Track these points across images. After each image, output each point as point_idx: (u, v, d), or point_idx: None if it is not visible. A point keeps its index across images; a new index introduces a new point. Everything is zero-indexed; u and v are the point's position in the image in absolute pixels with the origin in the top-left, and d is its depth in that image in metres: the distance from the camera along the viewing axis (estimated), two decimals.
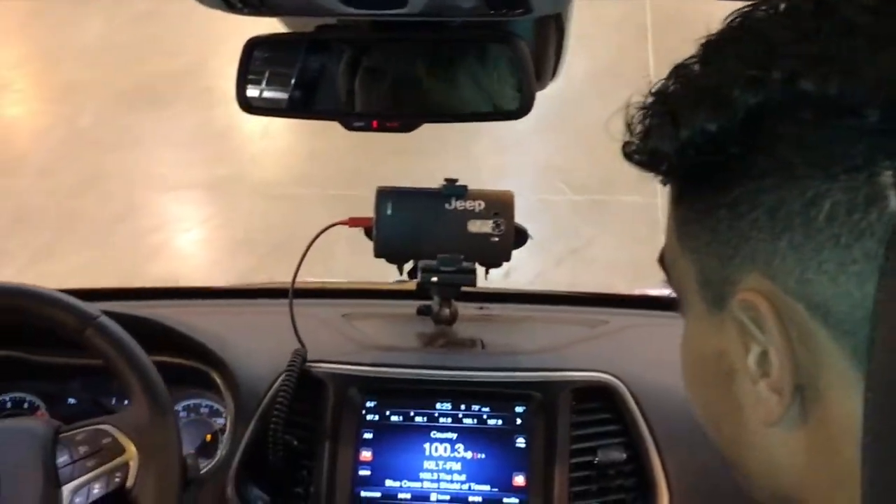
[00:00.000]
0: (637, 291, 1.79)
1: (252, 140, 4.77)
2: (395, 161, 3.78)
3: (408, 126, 1.16)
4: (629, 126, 0.64)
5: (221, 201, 4.37)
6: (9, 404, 1.49)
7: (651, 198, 4.15)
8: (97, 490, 1.14)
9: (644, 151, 0.63)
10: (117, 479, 1.14)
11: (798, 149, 0.55)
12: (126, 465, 1.15)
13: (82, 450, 1.17)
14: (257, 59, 1.16)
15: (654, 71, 5.02)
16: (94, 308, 1.22)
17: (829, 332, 0.55)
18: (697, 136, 0.58)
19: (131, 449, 1.16)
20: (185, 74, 5.18)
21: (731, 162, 0.58)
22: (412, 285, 1.50)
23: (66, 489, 1.14)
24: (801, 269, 0.55)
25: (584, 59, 5.21)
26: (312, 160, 4.56)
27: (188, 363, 1.41)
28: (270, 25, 1.15)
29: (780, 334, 0.57)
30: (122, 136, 4.82)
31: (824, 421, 0.57)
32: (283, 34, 1.18)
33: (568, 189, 4.28)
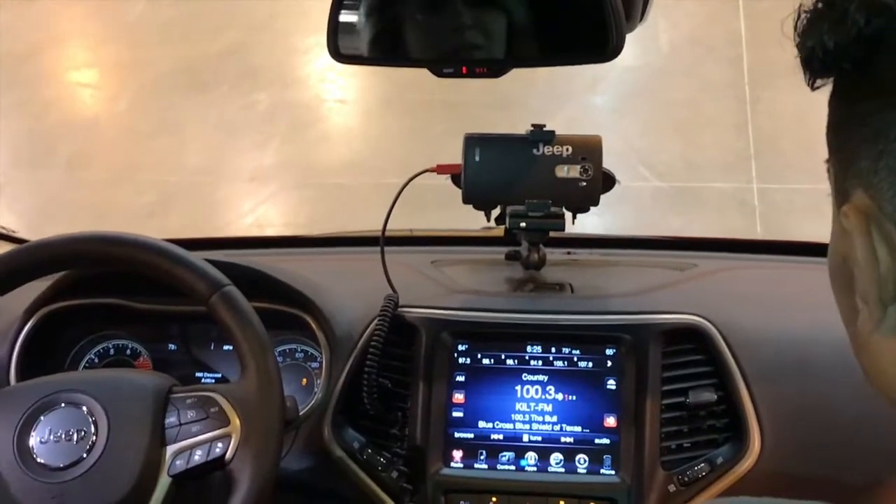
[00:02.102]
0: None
1: (301, 127, 4.60)
2: (454, 146, 3.55)
3: (497, 71, 1.17)
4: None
5: (265, 191, 4.22)
6: (112, 351, 1.54)
7: (745, 182, 3.92)
8: (198, 456, 1.17)
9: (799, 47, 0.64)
10: (217, 450, 1.17)
11: None
12: (228, 437, 1.17)
13: (190, 414, 1.20)
14: (347, 7, 1.18)
15: (747, 40, 4.78)
16: (222, 276, 1.24)
17: None
18: (819, 48, 0.59)
19: (236, 422, 1.18)
20: (228, 55, 5.09)
21: (848, 79, 0.60)
22: (500, 231, 1.52)
23: (170, 449, 1.18)
24: (893, 193, 0.57)
25: (668, 29, 4.95)
26: (366, 147, 4.41)
27: (284, 309, 1.44)
28: None
29: (863, 248, 0.60)
30: (161, 121, 4.72)
31: None
32: None
33: (651, 175, 4.01)
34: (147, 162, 4.40)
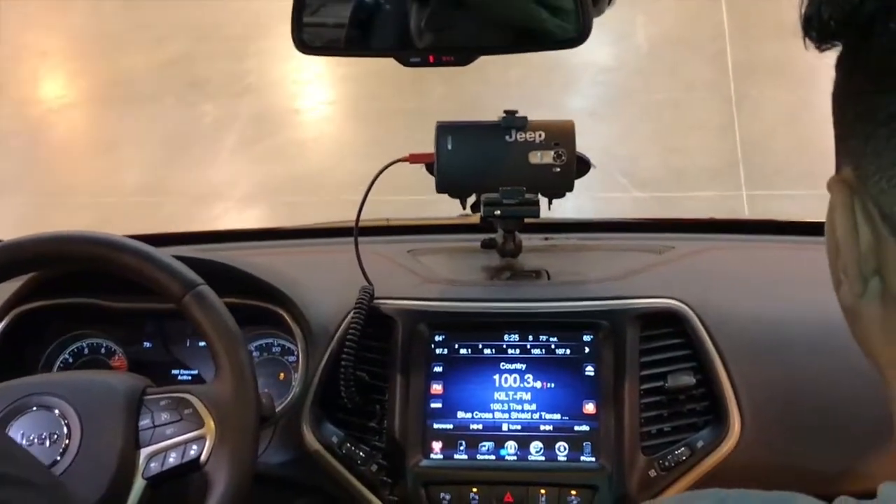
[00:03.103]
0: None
1: (252, 140, 4.44)
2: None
3: (463, 59, 1.16)
4: None
5: (212, 212, 4.07)
6: (86, 350, 1.53)
7: (733, 190, 3.73)
8: (172, 459, 1.16)
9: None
10: (192, 452, 1.16)
11: (891, 60, 0.55)
12: (203, 439, 1.17)
13: (164, 416, 1.19)
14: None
15: (731, 35, 4.58)
16: (195, 276, 1.23)
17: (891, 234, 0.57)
18: (815, 19, 0.58)
19: (210, 423, 1.17)
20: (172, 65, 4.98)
21: (848, 51, 0.60)
22: (476, 219, 1.51)
23: (144, 452, 1.17)
24: (878, 177, 0.57)
25: (648, 25, 4.79)
26: (322, 160, 4.23)
27: (258, 303, 1.43)
28: None
29: (844, 222, 0.61)
30: (100, 137, 4.60)
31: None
32: None
33: (631, 184, 3.81)
34: (83, 182, 4.29)
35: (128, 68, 5.06)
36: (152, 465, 1.16)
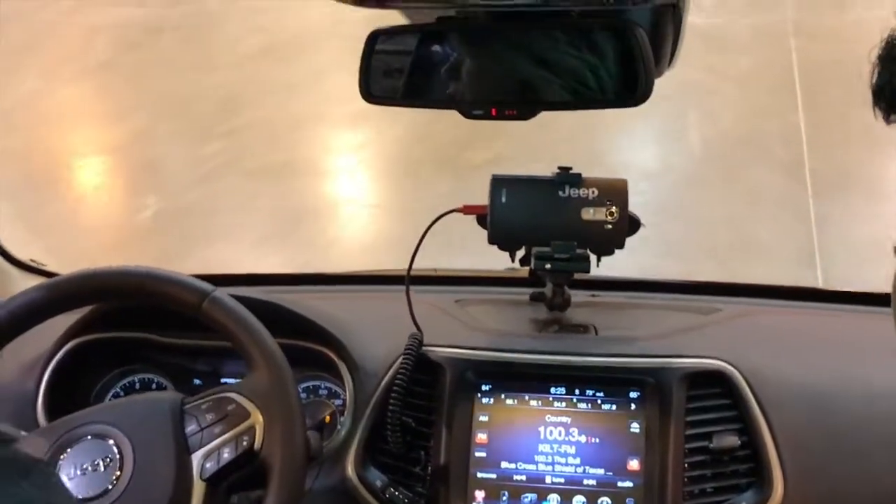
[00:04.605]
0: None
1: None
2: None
3: (525, 114, 1.18)
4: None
5: None
6: (137, 385, 1.56)
7: None
8: (227, 454, 1.18)
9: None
10: (245, 443, 1.19)
11: None
12: (252, 429, 1.19)
13: (209, 417, 1.22)
14: (380, 50, 1.20)
15: (809, 140, 3.91)
16: (208, 285, 1.27)
17: None
18: (887, 88, 0.60)
19: (256, 413, 1.20)
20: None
21: None
22: (524, 272, 1.52)
23: (197, 455, 1.19)
24: None
25: (701, 123, 4.20)
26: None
27: (308, 345, 1.45)
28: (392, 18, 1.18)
29: None
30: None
31: None
32: (404, 26, 1.21)
33: None
34: None
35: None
36: (208, 465, 1.18)
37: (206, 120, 4.87)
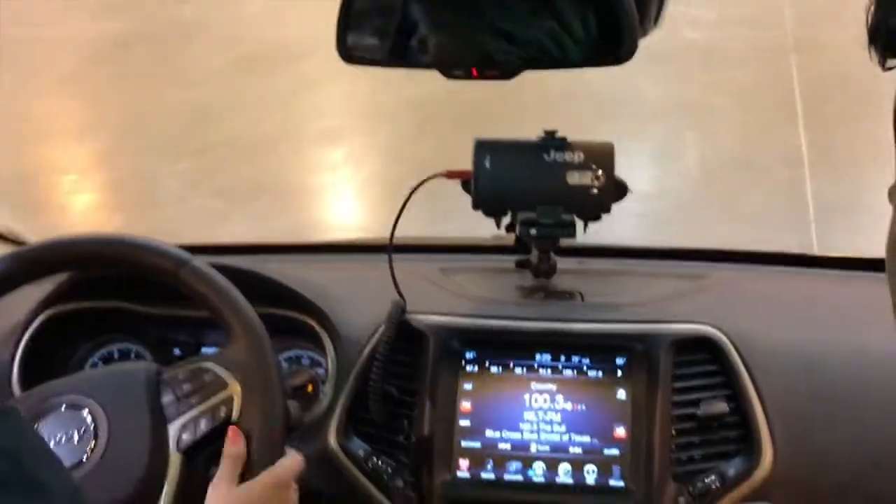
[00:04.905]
0: None
1: None
2: None
3: (508, 73, 1.16)
4: None
5: None
6: (116, 354, 1.54)
7: None
8: (203, 426, 1.17)
9: None
10: (222, 414, 1.17)
11: None
12: (230, 399, 1.18)
13: (186, 387, 1.20)
14: (358, 8, 1.17)
15: (809, 157, 3.76)
16: (186, 253, 1.25)
17: None
18: (883, 28, 0.58)
19: (234, 384, 1.18)
20: None
21: None
22: (510, 240, 1.50)
23: (173, 426, 1.17)
24: None
25: (699, 143, 4.10)
26: None
27: (290, 314, 1.43)
28: None
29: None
30: None
31: None
32: None
33: None
34: None
35: None
36: (184, 436, 1.16)
37: (174, 137, 4.77)
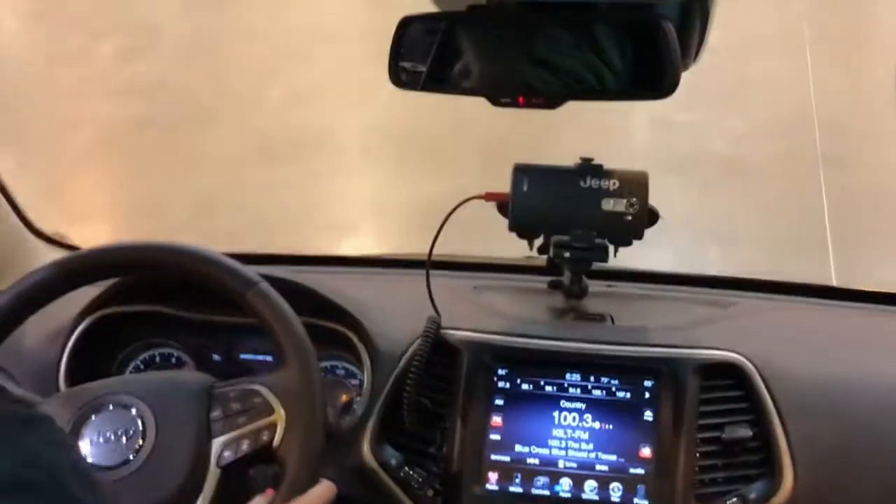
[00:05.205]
0: None
1: None
2: None
3: (553, 102, 1.20)
4: None
5: None
6: (157, 359, 1.58)
7: None
8: (245, 446, 1.21)
9: None
10: (264, 438, 1.20)
11: None
12: (274, 426, 1.21)
13: (234, 406, 1.24)
14: (410, 36, 1.22)
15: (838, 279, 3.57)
16: (254, 273, 1.29)
17: None
18: None
19: (280, 411, 1.22)
20: None
21: None
22: (542, 261, 1.54)
23: (217, 442, 1.22)
24: None
25: (727, 258, 4.00)
26: None
27: (329, 325, 1.47)
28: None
29: None
30: None
31: None
32: (434, 13, 1.22)
33: None
34: None
35: None
36: (226, 453, 1.20)
37: (182, 224, 4.64)
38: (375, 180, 4.97)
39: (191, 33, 6.11)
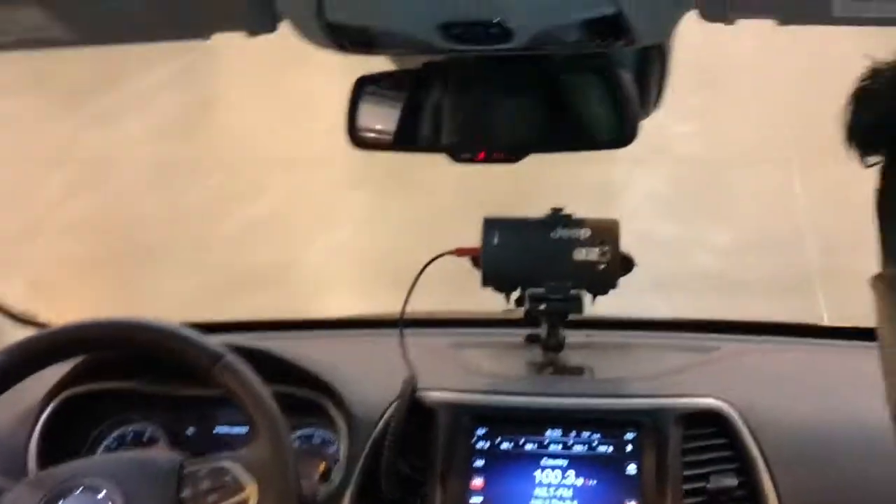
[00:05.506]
0: None
1: None
2: None
3: (514, 157, 1.19)
4: None
5: None
6: (130, 436, 1.55)
7: None
8: None
9: None
10: None
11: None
12: (245, 502, 1.18)
13: (205, 485, 1.20)
14: (367, 95, 1.20)
15: None
16: (220, 346, 1.26)
17: None
18: (856, 129, 0.61)
19: (252, 486, 1.19)
20: None
21: (885, 161, 0.63)
22: (520, 314, 1.52)
23: None
24: None
25: None
26: None
27: (302, 393, 1.44)
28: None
29: (883, 319, 0.59)
30: None
31: None
32: (391, 72, 1.21)
33: None
34: None
35: None
36: None
37: None
38: (341, 310, 4.69)
39: (145, 165, 5.85)
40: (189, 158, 5.95)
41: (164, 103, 6.59)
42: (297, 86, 6.18)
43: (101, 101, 6.64)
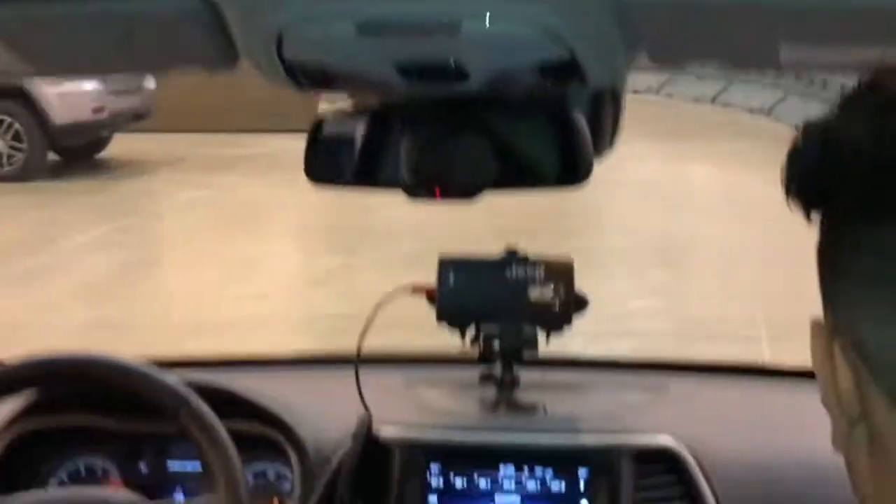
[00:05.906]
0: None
1: None
2: None
3: (470, 194, 1.20)
4: None
5: None
6: (82, 471, 1.53)
7: None
8: None
9: None
10: None
11: (854, 228, 0.58)
12: None
13: None
14: (325, 133, 1.21)
15: None
16: (182, 386, 1.26)
17: (871, 375, 0.57)
18: (791, 191, 0.62)
19: None
20: None
21: (823, 215, 0.62)
22: (474, 352, 1.53)
23: None
24: (849, 310, 0.59)
25: None
26: None
27: (257, 429, 1.44)
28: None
29: (821, 364, 0.60)
30: None
31: (885, 454, 0.59)
32: (347, 111, 1.22)
33: None
34: None
35: None
36: None
37: None
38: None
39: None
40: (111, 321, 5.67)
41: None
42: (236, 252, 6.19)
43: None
